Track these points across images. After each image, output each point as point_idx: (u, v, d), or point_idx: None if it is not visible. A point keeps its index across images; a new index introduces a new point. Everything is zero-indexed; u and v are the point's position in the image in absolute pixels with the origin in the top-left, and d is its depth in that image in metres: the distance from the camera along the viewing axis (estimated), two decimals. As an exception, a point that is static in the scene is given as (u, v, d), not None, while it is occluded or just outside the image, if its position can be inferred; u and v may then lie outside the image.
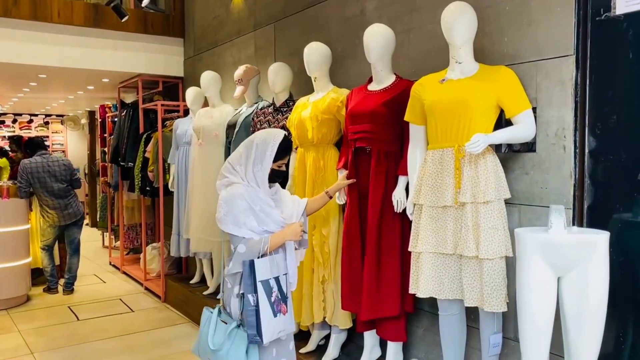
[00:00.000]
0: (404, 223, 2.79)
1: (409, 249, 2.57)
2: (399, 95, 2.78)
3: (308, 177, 3.25)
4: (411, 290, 2.56)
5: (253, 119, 3.88)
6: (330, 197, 2.75)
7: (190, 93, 5.08)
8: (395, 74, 2.92)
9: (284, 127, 3.61)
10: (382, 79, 2.90)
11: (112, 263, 7.37)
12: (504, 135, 2.31)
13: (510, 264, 2.42)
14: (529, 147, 2.47)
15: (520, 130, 2.33)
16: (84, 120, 11.54)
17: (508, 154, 2.55)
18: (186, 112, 5.51)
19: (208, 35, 5.54)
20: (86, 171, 10.99)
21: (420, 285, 2.46)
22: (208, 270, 4.96)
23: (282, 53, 4.28)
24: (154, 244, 6.21)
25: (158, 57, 6.05)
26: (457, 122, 2.37)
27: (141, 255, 6.30)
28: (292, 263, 2.53)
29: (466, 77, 2.42)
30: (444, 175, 2.41)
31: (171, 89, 6.32)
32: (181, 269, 5.98)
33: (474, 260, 2.35)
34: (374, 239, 2.77)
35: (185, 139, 5.05)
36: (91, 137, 10.56)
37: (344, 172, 2.97)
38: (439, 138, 2.44)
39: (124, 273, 6.78)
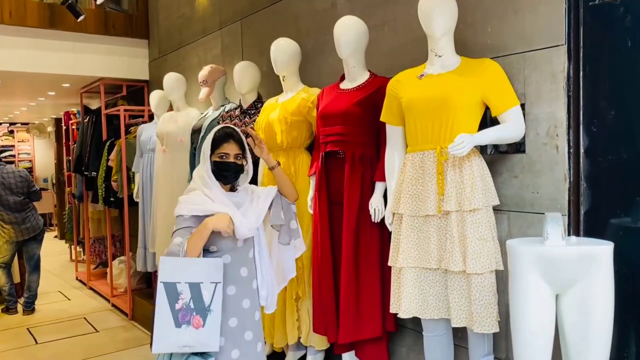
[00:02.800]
0: (383, 234, 2.54)
1: (389, 264, 2.32)
2: (373, 93, 2.53)
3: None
4: (392, 310, 2.31)
5: (219, 122, 3.60)
6: (272, 168, 2.38)
7: (154, 97, 4.78)
8: (369, 70, 2.68)
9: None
10: (355, 76, 2.65)
11: (78, 278, 6.98)
12: (491, 135, 2.07)
13: (500, 278, 2.18)
14: (518, 147, 2.24)
15: (509, 129, 2.10)
16: (50, 128, 11.08)
17: (494, 156, 2.32)
18: (151, 117, 5.19)
19: (173, 35, 5.24)
20: (54, 181, 10.53)
21: (402, 304, 2.20)
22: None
23: (250, 52, 4.01)
24: (121, 258, 5.86)
25: (121, 59, 5.71)
26: (438, 121, 2.12)
27: (108, 270, 5.94)
28: (268, 274, 2.24)
29: (447, 72, 2.18)
30: (425, 181, 2.16)
31: (136, 93, 5.99)
32: (150, 283, 5.64)
33: (460, 276, 2.10)
34: (350, 252, 2.51)
35: (150, 146, 4.74)
36: (58, 145, 10.11)
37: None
38: (419, 140, 2.19)
39: (91, 289, 6.41)
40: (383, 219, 2.49)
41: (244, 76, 3.39)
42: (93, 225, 6.57)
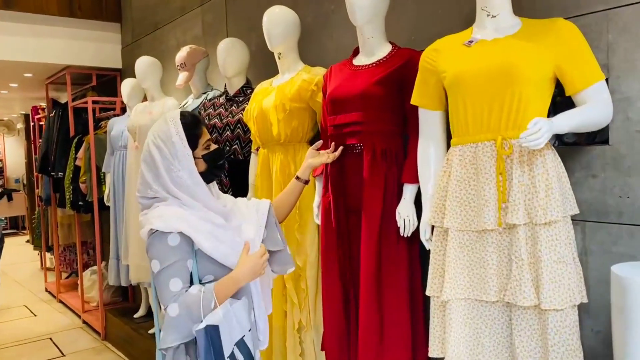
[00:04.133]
0: (412, 249, 1.98)
1: (428, 293, 1.76)
2: (399, 69, 1.96)
3: (275, 187, 2.40)
4: (432, 353, 1.75)
5: (200, 112, 3.01)
6: (306, 182, 1.98)
7: (126, 86, 4.18)
8: (390, 42, 2.11)
9: (239, 122, 2.75)
10: (373, 49, 2.07)
11: (47, 289, 6.33)
12: (576, 119, 1.52)
13: (583, 311, 1.63)
14: (595, 137, 1.69)
15: (595, 112, 1.55)
16: (20, 125, 10.34)
17: (559, 149, 1.76)
18: (124, 110, 4.58)
19: (148, 16, 4.61)
20: (24, 182, 9.82)
21: (450, 348, 1.64)
22: (155, 301, 4.04)
23: (236, 30, 3.41)
24: (94, 268, 5.23)
25: (89, 45, 5.06)
26: (499, 101, 1.57)
27: (79, 282, 5.31)
28: (260, 310, 1.74)
29: (506, 36, 1.62)
30: (480, 184, 1.60)
31: (108, 83, 5.35)
32: (127, 297, 5.03)
33: (532, 312, 1.55)
34: (371, 275, 1.94)
35: (122, 142, 4.13)
36: (28, 143, 9.40)
37: (311, 148, 2.10)
38: (470, 127, 1.63)
39: (61, 302, 5.76)
40: (415, 233, 1.93)
41: (229, 56, 2.80)
42: (63, 231, 5.92)
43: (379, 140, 1.97)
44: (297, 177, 1.97)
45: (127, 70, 4.99)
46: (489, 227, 1.57)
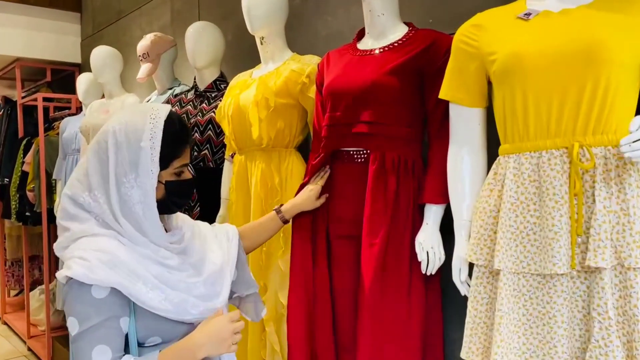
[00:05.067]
0: (432, 293, 1.51)
1: (465, 356, 1.28)
2: (420, 55, 1.50)
3: (254, 203, 1.92)
4: None
5: (164, 110, 2.50)
6: (286, 221, 1.58)
7: (83, 81, 3.65)
8: (406, 22, 1.65)
9: (211, 122, 2.26)
10: (385, 30, 1.62)
11: (-8, 309, 5.65)
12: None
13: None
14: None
15: None
16: (-26, 126, 9.57)
17: None
18: (81, 109, 4.03)
19: (111, 4, 4.09)
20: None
21: None
22: None
23: (209, 18, 2.92)
24: (42, 287, 4.62)
25: (44, 36, 4.50)
26: (576, 93, 1.12)
27: (25, 302, 4.69)
28: None
29: (579, 6, 1.18)
30: (545, 208, 1.15)
31: (65, 80, 4.79)
32: (80, 320, 4.43)
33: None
34: (368, 330, 1.46)
35: (75, 145, 3.59)
36: (-19, 145, 8.66)
37: (313, 186, 1.65)
38: (532, 129, 1.18)
39: (5, 324, 5.12)
40: (439, 271, 1.46)
41: (200, 42, 2.32)
42: (11, 243, 5.27)
43: (391, 146, 1.50)
44: (279, 212, 1.56)
45: (87, 66, 4.42)
46: (559, 270, 1.11)
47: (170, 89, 2.78)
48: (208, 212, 2.23)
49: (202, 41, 2.31)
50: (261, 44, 2.01)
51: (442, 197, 1.44)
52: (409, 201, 1.50)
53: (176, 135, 1.20)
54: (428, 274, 1.44)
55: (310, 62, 1.89)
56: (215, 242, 1.38)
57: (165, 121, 1.19)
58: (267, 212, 1.88)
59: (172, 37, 2.91)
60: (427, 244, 1.43)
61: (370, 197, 1.49)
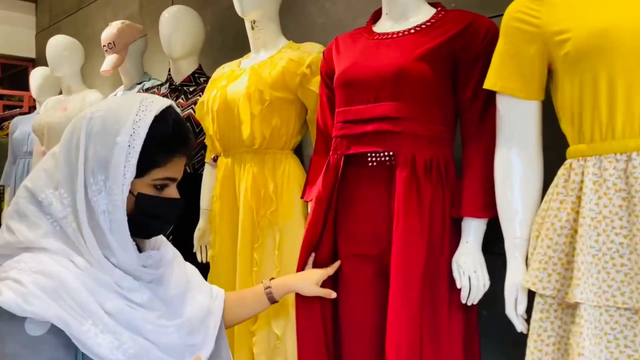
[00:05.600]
0: (468, 325, 1.25)
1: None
2: (454, 38, 1.25)
3: (243, 215, 1.62)
4: None
5: (132, 107, 2.18)
6: (274, 302, 1.26)
7: (37, 76, 3.29)
8: (432, 3, 1.40)
9: (188, 120, 1.95)
10: (407, 10, 1.35)
11: None
12: None
13: None
14: None
15: None
16: None
17: None
18: (35, 108, 3.63)
19: (70, -7, 3.72)
20: None
21: None
22: None
23: (185, 3, 2.62)
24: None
25: (-6, 27, 4.09)
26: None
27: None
28: None
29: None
30: (635, 223, 0.90)
31: (18, 76, 4.38)
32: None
33: None
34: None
35: (27, 147, 3.21)
36: None
37: (319, 271, 1.35)
38: (619, 126, 0.93)
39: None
40: (484, 298, 1.20)
41: (178, 28, 2.01)
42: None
43: (422, 147, 1.24)
44: (267, 288, 1.25)
45: (42, 60, 4.03)
46: (662, 303, 0.87)
47: (140, 83, 2.46)
48: (184, 224, 1.91)
49: (179, 27, 2.01)
50: (252, 29, 1.73)
51: (485, 209, 1.19)
52: (444, 214, 1.23)
53: (165, 139, 0.93)
54: (469, 303, 1.18)
55: (312, 51, 1.62)
56: (197, 284, 1.12)
57: (157, 117, 0.92)
58: (258, 226, 1.60)
59: (141, 26, 2.59)
60: (469, 267, 1.17)
61: (402, 210, 1.21)
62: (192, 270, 1.15)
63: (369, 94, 1.28)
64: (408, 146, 1.24)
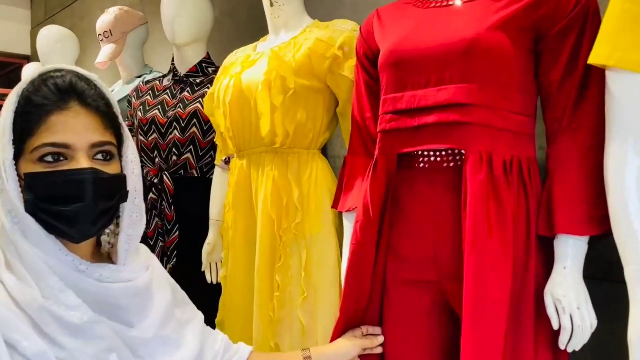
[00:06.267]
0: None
1: None
2: (537, 3, 0.96)
3: (261, 227, 1.34)
4: None
5: (130, 101, 1.90)
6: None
7: (30, 71, 2.99)
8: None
9: (195, 115, 1.67)
10: None
11: None
12: None
13: None
14: None
15: None
16: None
17: None
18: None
19: (66, -16, 3.47)
20: None
21: None
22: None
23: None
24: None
25: (-14, 22, 3.84)
26: None
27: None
28: None
29: None
30: None
31: (13, 75, 4.12)
32: None
33: None
34: None
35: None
36: None
37: (362, 341, 1.09)
38: None
39: None
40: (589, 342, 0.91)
41: (182, 10, 1.73)
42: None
43: (501, 143, 0.96)
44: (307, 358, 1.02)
45: (38, 57, 3.79)
46: None
47: (140, 76, 2.19)
48: (190, 237, 1.65)
49: (184, 8, 1.73)
50: (271, 5, 1.44)
51: (587, 223, 0.90)
52: (529, 231, 0.95)
53: (29, 94, 0.76)
54: (570, 350, 0.89)
55: (344, 28, 1.34)
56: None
57: (28, 79, 0.77)
58: (280, 241, 1.31)
59: (141, 13, 2.31)
60: (570, 303, 0.88)
61: (477, 225, 0.92)
62: (194, 317, 0.89)
63: (429, 74, 0.99)
64: (483, 141, 0.95)
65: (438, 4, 1.07)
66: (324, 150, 1.55)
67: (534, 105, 1.02)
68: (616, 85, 0.84)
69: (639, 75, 0.81)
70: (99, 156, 0.78)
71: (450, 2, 1.05)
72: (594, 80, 0.92)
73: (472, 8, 1.01)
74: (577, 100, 0.95)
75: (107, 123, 0.79)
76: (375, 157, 1.08)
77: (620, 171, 0.84)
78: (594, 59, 0.85)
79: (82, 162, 0.75)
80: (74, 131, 0.75)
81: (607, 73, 0.86)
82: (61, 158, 0.75)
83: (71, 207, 0.73)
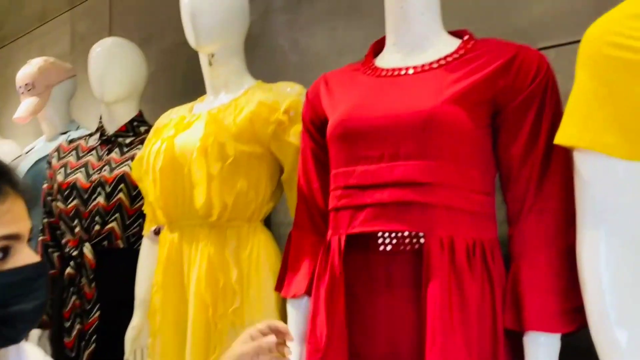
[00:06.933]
0: None
1: None
2: (497, 75, 0.90)
3: (194, 313, 1.17)
4: None
5: (50, 162, 1.71)
6: None
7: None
8: (453, 32, 1.06)
9: (123, 180, 1.51)
10: (424, 39, 1.00)
11: None
12: None
13: None
14: None
15: None
16: None
17: None
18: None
19: (-9, 30, 3.25)
20: None
21: None
22: None
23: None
24: None
25: None
26: None
27: None
28: None
29: None
30: None
31: None
32: None
33: None
34: None
35: None
36: None
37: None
38: None
39: None
40: None
41: (112, 64, 1.60)
42: None
43: (463, 226, 0.86)
44: None
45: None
46: None
47: (65, 133, 2.00)
48: (113, 319, 1.44)
49: (114, 63, 1.59)
50: (209, 64, 1.33)
51: (561, 319, 0.81)
52: (496, 324, 0.84)
53: None
54: None
55: (290, 92, 1.24)
56: None
57: None
58: (216, 329, 1.15)
59: (70, 65, 2.15)
60: None
61: (440, 320, 0.81)
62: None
63: (383, 148, 0.90)
64: (443, 225, 0.85)
65: (389, 73, 0.99)
66: (267, 218, 1.42)
67: (493, 182, 0.94)
68: (586, 168, 0.77)
69: (611, 158, 0.75)
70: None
71: (402, 72, 0.98)
72: (556, 157, 0.87)
73: (426, 79, 0.94)
74: (541, 179, 0.87)
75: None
76: (327, 238, 0.96)
77: (595, 266, 0.76)
78: (563, 139, 0.78)
79: (24, 258, 0.65)
80: (14, 218, 0.65)
81: (576, 154, 0.79)
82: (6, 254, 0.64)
83: (19, 316, 0.64)
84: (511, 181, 0.91)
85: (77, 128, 2.04)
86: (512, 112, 0.90)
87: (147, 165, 1.30)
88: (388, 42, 1.06)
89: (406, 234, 0.89)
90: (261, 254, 1.20)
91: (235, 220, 1.20)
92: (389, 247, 0.90)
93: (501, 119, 0.92)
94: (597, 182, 0.76)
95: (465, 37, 1.00)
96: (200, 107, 1.36)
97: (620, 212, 0.75)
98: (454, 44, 1.00)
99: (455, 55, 0.96)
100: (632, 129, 0.73)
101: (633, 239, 0.75)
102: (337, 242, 0.92)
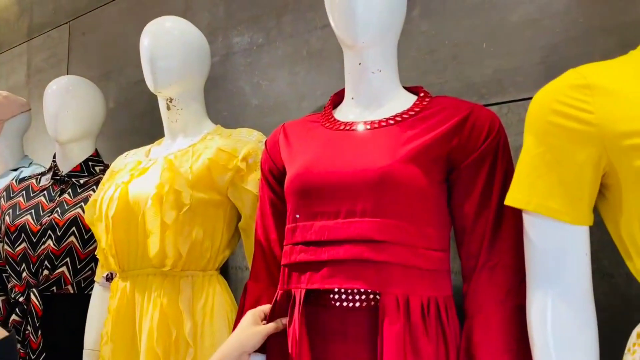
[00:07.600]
0: None
1: None
2: (451, 133, 0.92)
3: (144, 368, 1.13)
4: None
5: (-1, 202, 1.65)
6: None
7: None
8: (409, 88, 1.08)
9: (76, 222, 1.46)
10: (381, 95, 1.02)
11: None
12: None
13: None
14: None
15: None
16: None
17: None
18: None
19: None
20: None
21: None
22: None
23: (83, 75, 2.18)
24: None
25: None
26: None
27: None
28: None
29: None
30: None
31: None
32: None
33: None
34: None
35: None
36: None
37: (265, 327, 0.94)
38: None
39: None
40: None
41: (67, 104, 1.56)
42: None
43: (418, 284, 0.87)
44: None
45: None
46: None
47: (16, 169, 1.93)
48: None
49: (70, 103, 1.56)
50: (168, 109, 1.32)
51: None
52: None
53: None
54: None
55: (249, 139, 1.24)
56: None
57: None
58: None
59: (24, 99, 2.09)
60: None
61: None
62: None
63: (339, 205, 0.90)
64: (399, 283, 0.86)
65: (347, 127, 1.00)
66: (224, 262, 1.40)
67: (448, 238, 0.95)
68: (534, 231, 0.79)
69: (559, 222, 0.77)
70: None
71: (360, 127, 0.99)
72: (508, 214, 0.88)
73: (382, 135, 0.95)
74: (493, 236, 0.89)
75: None
76: (279, 292, 0.95)
77: (543, 327, 0.77)
78: (512, 201, 0.80)
79: None
80: None
81: (525, 217, 0.81)
82: None
83: None
84: (465, 237, 0.92)
85: (30, 164, 1.97)
86: (465, 170, 0.92)
87: (99, 211, 1.26)
88: (347, 95, 1.08)
89: (362, 290, 0.89)
90: (216, 305, 1.17)
91: (190, 269, 1.18)
92: (344, 303, 0.90)
93: (455, 175, 0.94)
94: (545, 244, 0.78)
95: (421, 94, 1.03)
96: (158, 151, 1.34)
97: (567, 274, 0.77)
98: (410, 100, 1.03)
99: (411, 112, 0.98)
100: (575, 196, 0.75)
101: (579, 301, 0.77)
102: (290, 297, 0.91)
